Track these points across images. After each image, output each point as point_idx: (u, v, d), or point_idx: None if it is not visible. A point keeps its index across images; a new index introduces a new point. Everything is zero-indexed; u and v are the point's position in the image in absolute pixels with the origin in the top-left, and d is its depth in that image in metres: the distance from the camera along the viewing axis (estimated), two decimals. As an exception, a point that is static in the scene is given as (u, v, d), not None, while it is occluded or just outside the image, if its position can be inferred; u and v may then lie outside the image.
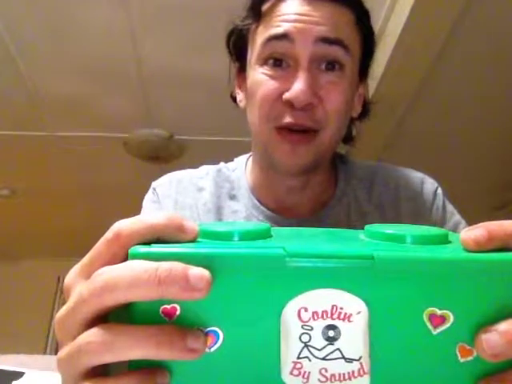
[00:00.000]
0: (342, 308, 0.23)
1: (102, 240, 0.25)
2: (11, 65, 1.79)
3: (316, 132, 0.57)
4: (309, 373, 0.23)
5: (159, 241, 0.25)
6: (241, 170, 0.70)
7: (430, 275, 0.23)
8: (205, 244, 0.25)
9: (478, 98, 1.95)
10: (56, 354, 0.26)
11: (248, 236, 0.25)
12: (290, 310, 0.23)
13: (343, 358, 0.23)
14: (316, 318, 0.23)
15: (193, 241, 0.25)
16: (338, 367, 0.23)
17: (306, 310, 0.23)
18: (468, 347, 0.23)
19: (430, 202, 0.66)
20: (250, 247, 0.24)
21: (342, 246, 0.25)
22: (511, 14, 1.52)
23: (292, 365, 0.23)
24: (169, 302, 0.23)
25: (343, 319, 0.23)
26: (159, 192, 0.70)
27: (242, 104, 0.66)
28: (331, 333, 0.23)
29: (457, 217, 0.67)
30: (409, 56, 1.65)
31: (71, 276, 0.27)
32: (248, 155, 0.73)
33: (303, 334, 0.23)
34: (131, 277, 0.22)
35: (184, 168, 0.74)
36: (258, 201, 0.66)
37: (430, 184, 0.69)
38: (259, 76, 0.58)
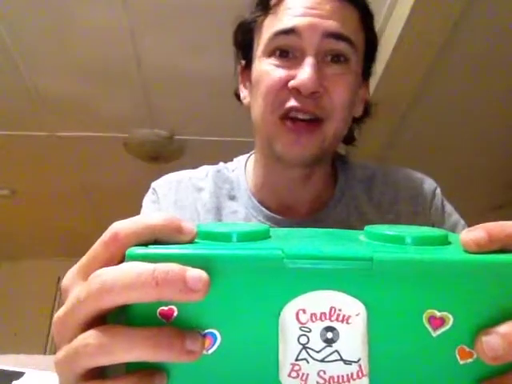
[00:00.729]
0: (340, 310, 0.23)
1: (100, 241, 0.25)
2: (11, 65, 1.79)
3: (321, 122, 0.57)
4: (307, 375, 0.23)
5: (157, 242, 0.25)
6: (240, 170, 0.70)
7: (429, 277, 0.23)
8: (203, 245, 0.25)
9: (478, 98, 1.95)
10: (55, 353, 0.26)
11: (246, 237, 0.25)
12: (288, 312, 0.23)
13: (342, 360, 0.23)
14: (314, 319, 0.23)
15: (191, 242, 0.25)
16: (337, 369, 0.23)
17: (304, 311, 0.23)
18: (468, 349, 0.23)
19: (428, 202, 0.66)
20: (248, 248, 0.24)
21: (341, 248, 0.25)
22: (511, 14, 1.52)
23: (290, 367, 0.23)
24: (166, 304, 0.23)
25: (342, 321, 0.23)
26: (159, 192, 0.70)
27: (245, 101, 0.66)
28: (330, 335, 0.23)
29: (455, 216, 0.67)
30: (409, 56, 1.65)
31: (69, 277, 0.27)
32: (247, 155, 0.73)
33: (301, 335, 0.23)
34: (128, 279, 0.22)
35: (184, 168, 0.74)
36: (258, 201, 0.66)
37: (428, 184, 0.69)
38: (265, 67, 0.59)
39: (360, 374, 0.23)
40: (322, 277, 0.23)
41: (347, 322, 0.23)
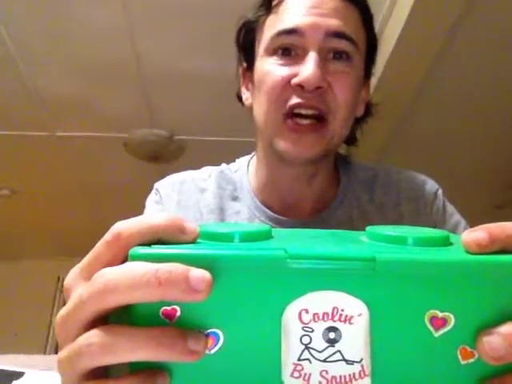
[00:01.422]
0: (343, 310, 0.23)
1: (102, 241, 0.25)
2: (11, 65, 1.79)
3: (324, 121, 0.57)
4: (309, 375, 0.23)
5: (160, 242, 0.25)
6: (243, 171, 0.70)
7: (431, 277, 0.23)
8: (205, 245, 0.25)
9: (478, 98, 1.95)
10: (56, 353, 0.26)
11: (249, 237, 0.25)
12: (290, 312, 0.23)
13: (344, 360, 0.23)
14: (317, 319, 0.23)
15: (193, 242, 0.25)
16: (339, 369, 0.23)
17: (306, 311, 0.23)
18: (469, 349, 0.23)
19: (430, 203, 0.67)
20: (251, 249, 0.24)
21: (343, 248, 0.25)
22: (511, 14, 1.52)
23: (293, 367, 0.23)
24: (169, 304, 0.23)
25: (344, 321, 0.23)
26: (162, 193, 0.70)
27: (247, 102, 0.66)
28: (332, 335, 0.23)
29: (457, 217, 0.67)
30: (409, 56, 1.65)
31: (71, 277, 0.27)
32: (250, 156, 0.73)
33: (304, 335, 0.23)
34: (131, 279, 0.22)
35: (184, 168, 0.74)
36: (261, 202, 0.66)
37: (430, 186, 0.69)
38: (268, 66, 0.59)
39: (362, 374, 0.23)
40: (324, 277, 0.23)
41: (350, 323, 0.23)
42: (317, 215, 0.65)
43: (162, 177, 0.73)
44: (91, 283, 0.24)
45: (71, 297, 0.26)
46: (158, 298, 0.22)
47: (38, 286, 3.66)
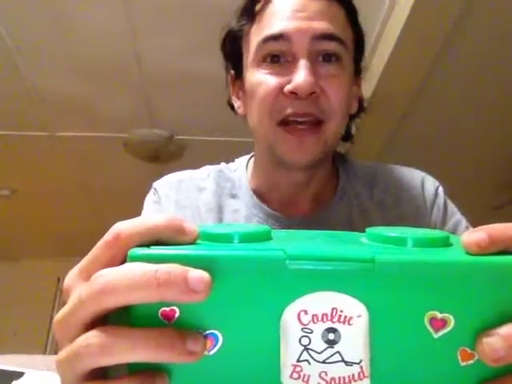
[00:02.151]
0: (342, 311, 0.23)
1: (102, 242, 0.25)
2: (11, 65, 1.79)
3: (322, 123, 0.57)
4: (308, 376, 0.23)
5: (159, 242, 0.25)
6: (242, 170, 0.70)
7: (430, 278, 0.23)
8: (205, 246, 0.25)
9: (478, 98, 1.95)
10: (56, 354, 0.26)
11: (248, 238, 0.25)
12: (289, 313, 0.23)
13: (343, 361, 0.23)
14: (316, 320, 0.23)
15: (193, 243, 0.25)
16: (338, 370, 0.23)
17: (305, 312, 0.23)
18: (469, 351, 0.23)
19: (431, 201, 0.66)
20: (250, 249, 0.24)
21: (342, 249, 0.25)
22: (511, 14, 1.52)
23: (292, 368, 0.23)
24: (168, 305, 0.23)
25: (343, 322, 0.23)
26: (160, 192, 0.70)
27: (240, 110, 0.66)
28: (331, 336, 0.23)
29: (458, 216, 0.67)
30: (409, 56, 1.65)
31: (70, 277, 0.27)
32: (249, 156, 0.73)
33: (303, 336, 0.23)
34: (130, 279, 0.22)
35: (184, 168, 0.74)
36: (260, 200, 0.66)
37: (430, 183, 0.69)
38: (258, 75, 0.58)
39: (361, 376, 0.23)
40: (323, 278, 0.23)
41: (349, 324, 0.23)
42: (316, 213, 0.65)
43: (162, 177, 0.73)
44: (90, 284, 0.24)
45: (70, 297, 0.26)
46: (157, 299, 0.22)
47: (38, 286, 3.66)
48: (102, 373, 0.24)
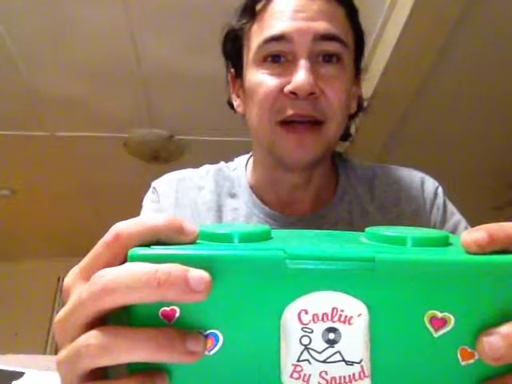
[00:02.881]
0: (342, 310, 0.23)
1: (102, 242, 0.25)
2: (11, 65, 1.79)
3: (321, 124, 0.57)
4: (309, 375, 0.23)
5: (159, 242, 0.25)
6: (241, 169, 0.70)
7: (430, 277, 0.23)
8: (205, 246, 0.25)
9: (478, 98, 1.95)
10: (56, 354, 0.26)
11: (248, 238, 0.25)
12: (290, 313, 0.23)
13: (344, 360, 0.23)
14: (316, 320, 0.23)
15: (193, 243, 0.25)
16: (339, 370, 0.23)
17: (306, 312, 0.23)
18: (469, 350, 0.23)
19: (430, 201, 0.66)
20: (251, 249, 0.24)
21: (342, 248, 0.25)
22: (511, 14, 1.52)
23: (292, 367, 0.23)
24: (168, 305, 0.23)
25: (344, 322, 0.23)
26: (159, 191, 0.70)
27: (240, 109, 0.66)
28: (331, 335, 0.23)
29: (457, 216, 0.67)
30: (409, 56, 1.65)
31: (70, 277, 0.27)
32: (248, 155, 0.73)
33: (303, 336, 0.23)
34: (130, 279, 0.22)
35: (184, 168, 0.74)
36: (259, 199, 0.66)
37: (430, 184, 0.69)
38: (258, 76, 0.58)
39: (362, 375, 0.23)
40: (323, 277, 0.23)
41: (349, 323, 0.23)
42: (316, 212, 0.65)
43: (162, 176, 0.73)
44: (90, 284, 0.24)
45: (70, 297, 0.26)
46: (157, 299, 0.22)
47: (38, 286, 3.66)
48: (102, 373, 0.24)
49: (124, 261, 0.24)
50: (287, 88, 0.55)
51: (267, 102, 0.57)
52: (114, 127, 2.19)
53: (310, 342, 0.23)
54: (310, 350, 0.23)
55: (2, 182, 2.75)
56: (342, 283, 0.23)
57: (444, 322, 0.23)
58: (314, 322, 0.23)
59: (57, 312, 0.27)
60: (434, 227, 0.65)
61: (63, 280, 0.28)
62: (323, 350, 0.23)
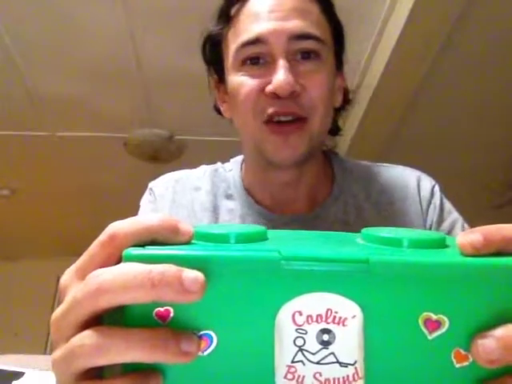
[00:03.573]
0: (336, 312, 0.23)
1: (97, 242, 0.25)
2: (11, 65, 1.79)
3: (305, 120, 0.57)
4: (303, 377, 0.23)
5: (154, 242, 0.25)
6: (236, 169, 0.70)
7: (425, 279, 0.23)
8: (200, 246, 0.25)
9: (478, 98, 1.95)
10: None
11: (244, 238, 0.25)
12: (284, 314, 0.23)
13: (338, 362, 0.23)
14: (310, 321, 0.23)
15: (188, 243, 0.25)
16: (333, 371, 0.23)
17: (300, 313, 0.23)
18: (464, 352, 0.23)
19: (427, 200, 0.66)
20: (245, 250, 0.24)
21: (337, 250, 0.25)
22: (511, 13, 1.52)
23: (286, 369, 0.23)
24: (162, 305, 0.23)
25: (338, 323, 0.23)
26: (156, 192, 0.70)
27: (227, 114, 0.67)
28: (326, 337, 0.23)
29: (454, 215, 0.67)
30: (409, 56, 1.65)
31: (66, 277, 0.27)
32: (243, 156, 0.73)
33: (297, 337, 0.23)
34: (125, 280, 0.22)
35: (184, 168, 0.74)
36: (254, 200, 0.66)
37: (427, 182, 0.68)
38: (239, 78, 0.58)
39: (356, 377, 0.23)
40: (318, 279, 0.23)
41: (343, 325, 0.23)
42: (311, 212, 0.65)
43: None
44: (85, 284, 0.24)
45: (66, 297, 0.26)
46: (152, 299, 0.22)
47: (37, 285, 3.66)
48: (96, 372, 0.24)
49: (119, 260, 0.24)
50: (268, 88, 0.56)
51: (249, 102, 0.57)
52: (114, 127, 2.19)
53: (304, 343, 0.23)
54: (304, 352, 0.23)
55: (2, 182, 2.75)
56: (336, 285, 0.23)
57: (438, 324, 0.23)
58: (308, 324, 0.23)
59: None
60: (431, 226, 0.65)
61: (60, 280, 0.28)
62: (317, 352, 0.23)
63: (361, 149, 2.05)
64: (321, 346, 0.23)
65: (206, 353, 0.23)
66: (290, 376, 0.23)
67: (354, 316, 0.23)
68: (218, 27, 0.63)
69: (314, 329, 0.23)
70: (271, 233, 0.28)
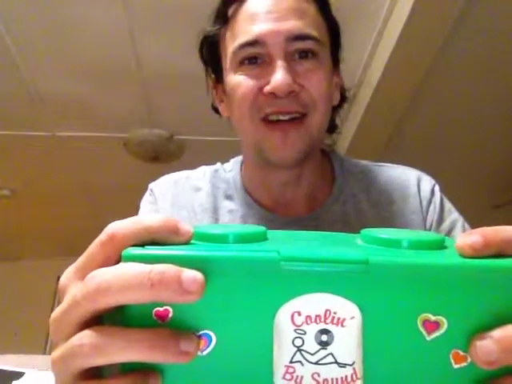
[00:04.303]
0: (335, 312, 0.23)
1: (97, 241, 0.25)
2: (11, 65, 1.79)
3: (304, 116, 0.57)
4: (301, 377, 0.23)
5: (154, 243, 0.25)
6: (236, 170, 0.70)
7: (424, 281, 0.23)
8: (199, 246, 0.25)
9: (478, 98, 1.95)
10: (53, 353, 0.26)
11: (243, 239, 0.25)
12: (283, 314, 0.23)
13: (336, 362, 0.23)
14: (309, 322, 0.23)
15: (187, 243, 0.25)
16: (331, 372, 0.23)
17: (299, 313, 0.23)
18: (462, 353, 0.23)
19: (427, 200, 0.66)
20: (245, 250, 0.24)
21: (337, 250, 0.25)
22: (511, 14, 1.52)
23: (284, 369, 0.23)
24: (161, 305, 0.23)
25: (336, 324, 0.23)
26: (156, 193, 0.70)
27: (225, 114, 0.67)
28: (324, 337, 0.23)
29: (454, 215, 0.67)
30: (409, 56, 1.65)
31: (66, 277, 0.27)
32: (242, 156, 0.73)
33: (296, 338, 0.23)
34: (124, 280, 0.22)
35: (184, 168, 0.74)
36: (254, 200, 0.66)
37: (427, 182, 0.68)
38: (237, 78, 0.58)
39: (354, 377, 0.23)
40: (317, 279, 0.23)
41: (342, 325, 0.23)
42: (312, 212, 0.65)
43: (161, 177, 0.73)
44: (84, 284, 0.24)
45: (65, 297, 0.26)
46: (151, 299, 0.22)
47: (37, 285, 3.66)
48: (95, 372, 0.24)
49: (119, 260, 0.24)
50: (266, 89, 0.56)
51: (246, 102, 0.57)
52: (114, 127, 2.19)
53: (303, 343, 0.23)
54: (303, 352, 0.23)
55: (2, 182, 2.75)
56: (335, 285, 0.23)
57: (437, 325, 0.23)
58: (307, 324, 0.23)
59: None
60: (431, 226, 0.65)
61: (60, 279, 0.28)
62: (316, 352, 0.23)
63: (361, 148, 2.05)
64: (319, 347, 0.23)
65: (205, 353, 0.23)
66: (288, 376, 0.23)
67: (353, 317, 0.23)
68: (215, 28, 0.63)
69: (312, 329, 0.23)
70: (271, 233, 0.28)
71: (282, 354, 0.23)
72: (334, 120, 0.69)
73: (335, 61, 0.65)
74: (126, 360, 0.23)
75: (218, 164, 0.73)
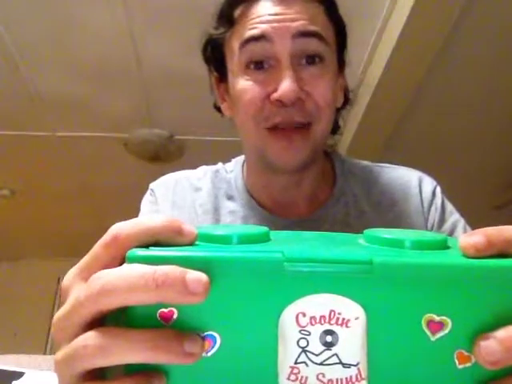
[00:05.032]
0: (340, 313, 0.23)
1: (100, 242, 0.25)
2: (11, 65, 1.79)
3: (309, 125, 0.57)
4: (306, 378, 0.23)
5: (157, 244, 0.25)
6: (238, 170, 0.70)
7: (428, 281, 0.23)
8: (203, 247, 0.25)
9: (478, 97, 1.95)
10: (54, 354, 0.26)
11: (247, 240, 0.25)
12: (287, 315, 0.23)
13: (341, 363, 0.23)
14: (314, 322, 0.23)
15: (191, 244, 0.25)
16: (336, 372, 0.23)
17: (303, 314, 0.23)
18: (466, 354, 0.23)
19: (428, 201, 0.66)
20: (249, 251, 0.24)
21: (340, 251, 0.25)
22: (511, 14, 1.52)
23: (289, 370, 0.23)
24: (166, 306, 0.23)
25: (341, 324, 0.23)
26: (157, 193, 0.70)
27: (227, 112, 0.66)
28: (329, 338, 0.23)
29: (456, 216, 0.67)
30: (409, 56, 1.65)
31: (69, 278, 0.27)
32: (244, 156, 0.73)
33: (301, 338, 0.23)
34: (128, 281, 0.22)
35: (184, 168, 0.74)
36: (256, 201, 0.66)
37: (428, 183, 0.68)
38: (243, 83, 0.58)
39: (359, 378, 0.23)
40: (321, 280, 0.23)
41: (346, 326, 0.23)
42: (313, 213, 0.65)
43: (161, 177, 0.73)
44: (88, 285, 0.24)
45: (69, 298, 0.26)
46: (155, 301, 0.22)
47: (38, 286, 3.66)
48: (99, 373, 0.24)
49: (122, 262, 0.24)
50: (273, 96, 0.56)
51: (252, 109, 0.57)
52: (114, 127, 2.19)
53: (308, 344, 0.23)
54: (308, 353, 0.23)
55: (2, 182, 2.75)
56: (339, 286, 0.23)
57: (441, 325, 0.23)
58: (312, 325, 0.23)
59: (56, 312, 0.27)
60: (432, 227, 0.65)
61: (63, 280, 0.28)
62: (320, 353, 0.23)
63: (361, 149, 2.05)
64: (324, 347, 0.23)
65: (209, 354, 0.23)
66: (293, 377, 0.23)
67: (358, 317, 0.23)
68: (220, 30, 0.62)
69: (317, 330, 0.23)
70: (274, 234, 0.28)
71: (287, 354, 0.23)
72: (337, 121, 0.68)
73: (341, 63, 0.64)
74: (131, 361, 0.23)
75: (220, 164, 0.73)
